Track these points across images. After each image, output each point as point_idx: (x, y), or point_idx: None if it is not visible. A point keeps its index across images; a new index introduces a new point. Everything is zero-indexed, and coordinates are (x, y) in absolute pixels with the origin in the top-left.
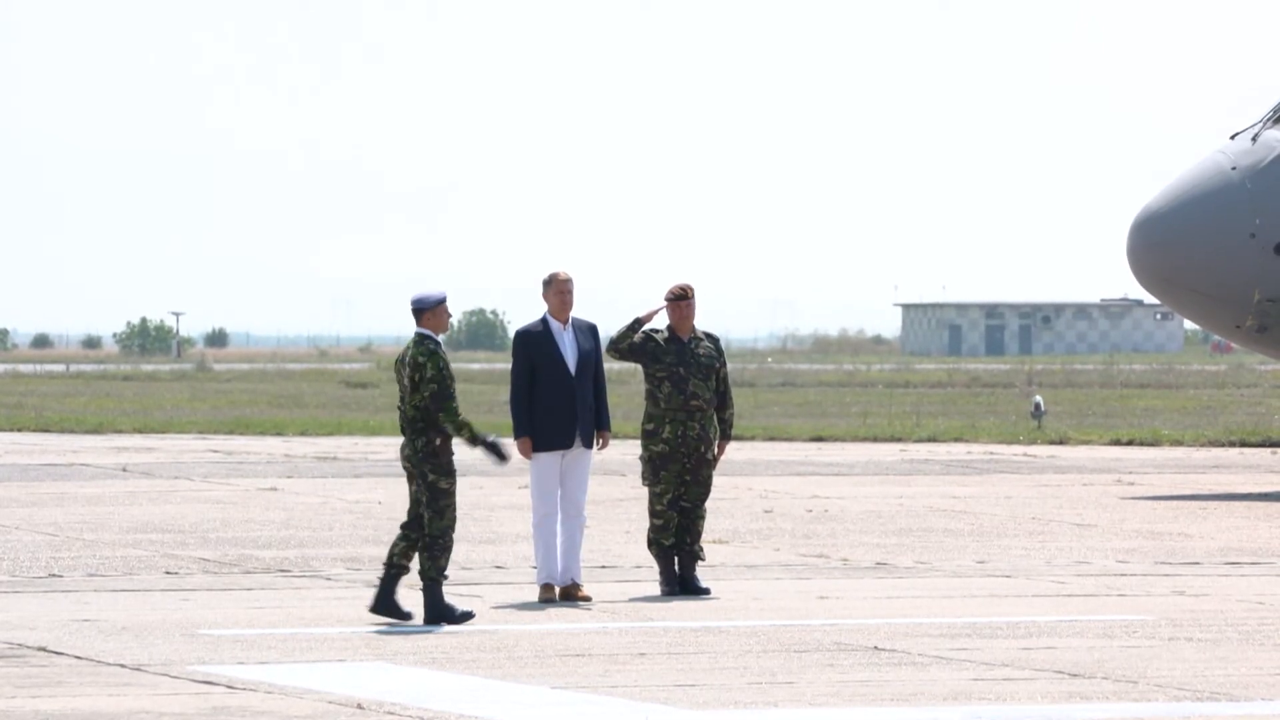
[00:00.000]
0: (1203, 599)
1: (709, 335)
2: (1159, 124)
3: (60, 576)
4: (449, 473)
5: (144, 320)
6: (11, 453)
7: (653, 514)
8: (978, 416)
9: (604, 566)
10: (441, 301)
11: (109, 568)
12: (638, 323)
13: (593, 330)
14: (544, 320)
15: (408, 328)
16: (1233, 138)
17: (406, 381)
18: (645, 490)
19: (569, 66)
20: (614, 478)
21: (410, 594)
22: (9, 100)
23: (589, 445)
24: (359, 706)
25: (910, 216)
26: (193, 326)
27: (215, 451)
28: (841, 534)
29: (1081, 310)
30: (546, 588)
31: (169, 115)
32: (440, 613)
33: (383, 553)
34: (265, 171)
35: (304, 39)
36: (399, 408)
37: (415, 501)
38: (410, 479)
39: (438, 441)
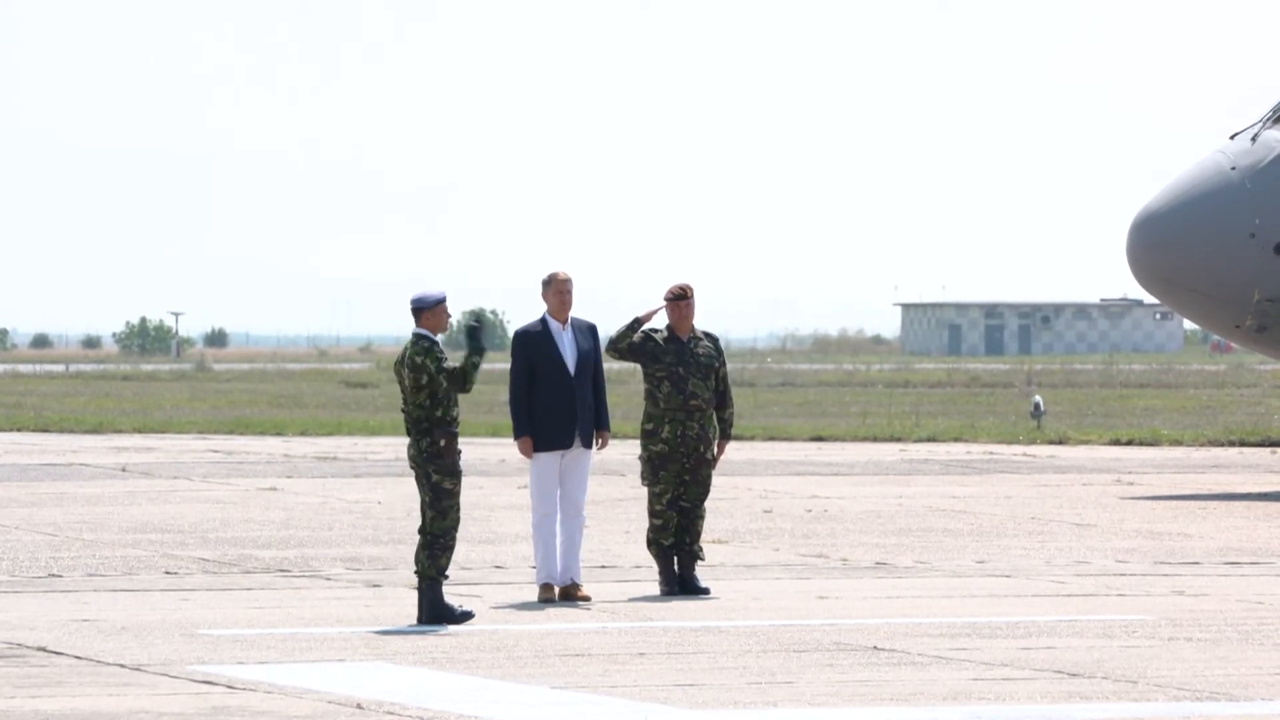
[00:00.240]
0: (1202, 599)
1: (708, 335)
2: (1159, 124)
3: (60, 576)
4: (453, 473)
5: (144, 320)
6: (11, 453)
7: (652, 514)
8: (977, 416)
9: (604, 566)
10: (441, 301)
11: (109, 568)
12: (637, 322)
13: (592, 330)
14: (543, 320)
15: (408, 328)
16: (1233, 138)
17: (407, 383)
18: (645, 490)
19: (569, 66)
20: (614, 478)
21: (410, 593)
22: (9, 100)
23: (588, 445)
24: (359, 706)
25: (910, 216)
26: (192, 326)
27: (215, 451)
28: (841, 534)
29: (1081, 310)
30: (546, 588)
31: (169, 115)
32: (440, 613)
33: (383, 553)
34: (265, 171)
35: (304, 39)
36: (403, 410)
37: (424, 503)
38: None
39: (442, 442)
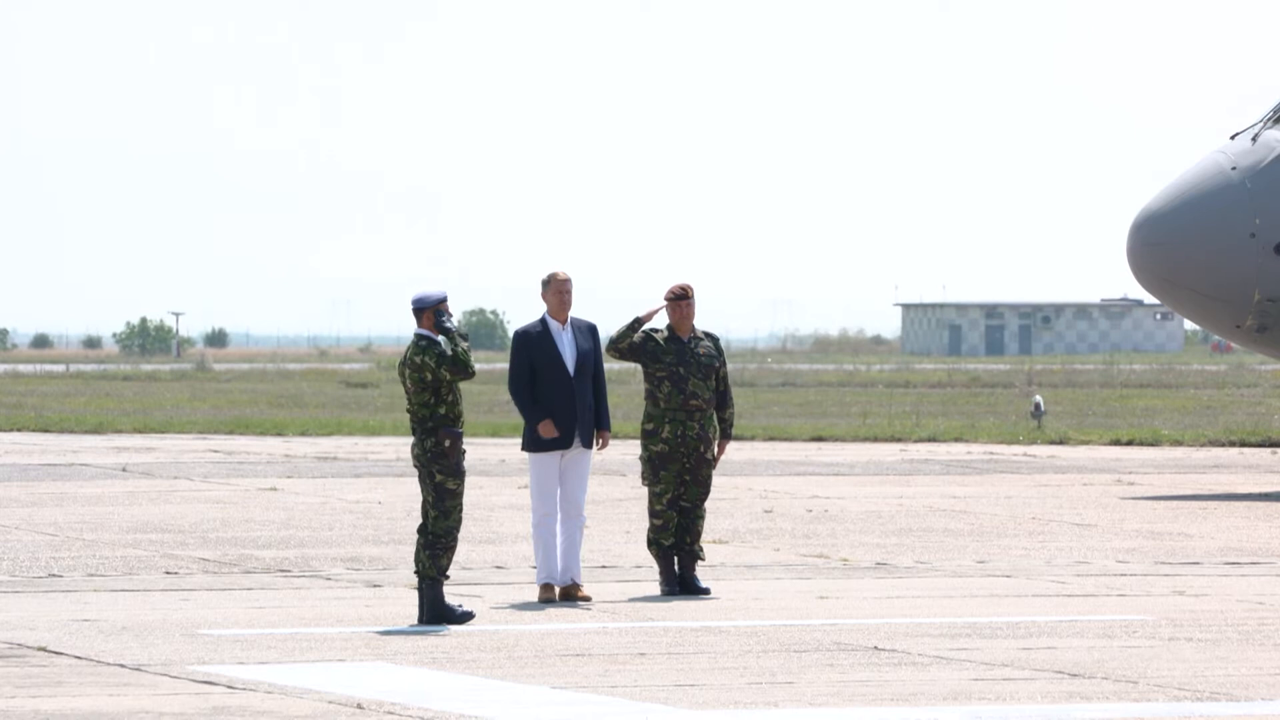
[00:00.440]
0: (1203, 599)
1: (709, 335)
2: (1159, 124)
3: (60, 576)
4: (457, 474)
5: (144, 320)
6: (11, 453)
7: (652, 514)
8: (977, 416)
9: (604, 566)
10: (442, 301)
11: (109, 568)
12: (638, 322)
13: (592, 330)
14: (543, 320)
15: (407, 328)
16: (1233, 138)
17: (409, 383)
18: (645, 490)
19: (569, 67)
20: (614, 478)
21: (410, 594)
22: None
23: (588, 445)
24: (359, 706)
25: (910, 216)
26: (192, 326)
27: (215, 451)
28: (841, 534)
29: (1081, 310)
30: (546, 588)
31: (169, 115)
32: (440, 612)
33: (383, 553)
34: (265, 171)
35: (304, 39)
36: (408, 410)
37: (427, 503)
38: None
39: (447, 443)
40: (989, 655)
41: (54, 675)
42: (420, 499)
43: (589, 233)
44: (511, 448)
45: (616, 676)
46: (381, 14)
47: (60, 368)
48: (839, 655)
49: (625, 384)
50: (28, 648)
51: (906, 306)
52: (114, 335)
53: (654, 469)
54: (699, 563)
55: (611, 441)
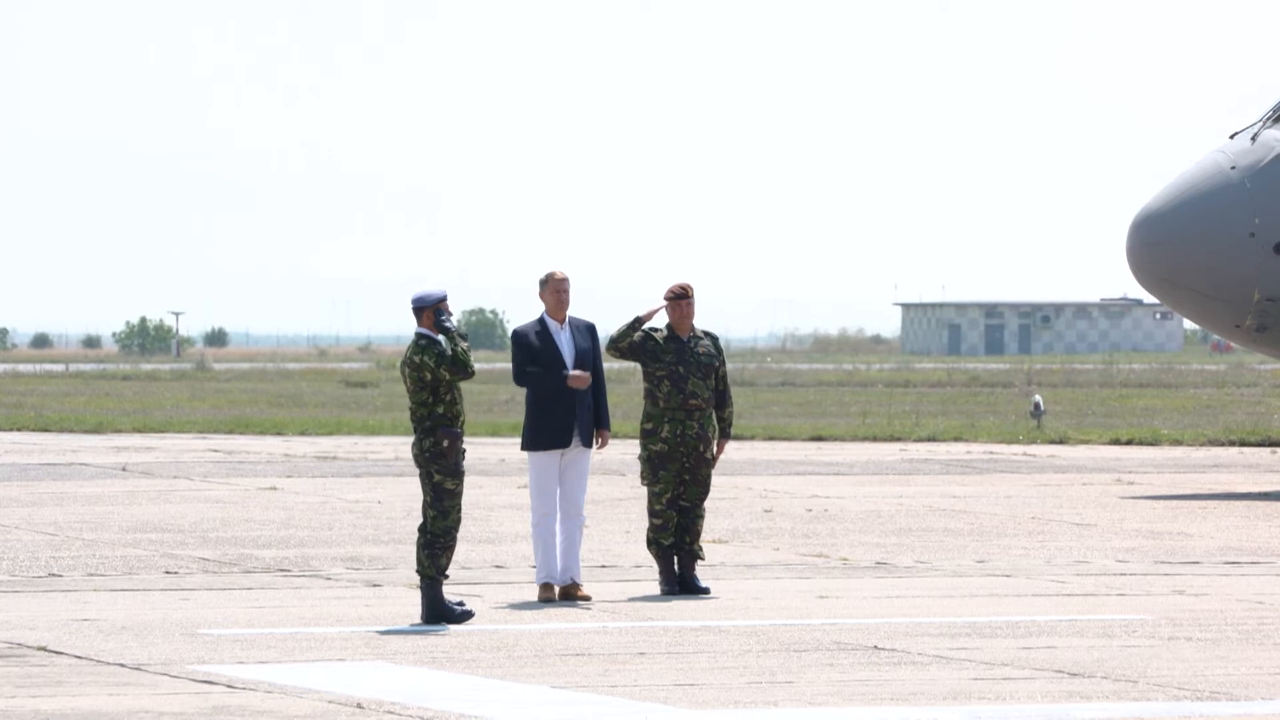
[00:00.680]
0: (1202, 598)
1: (708, 334)
2: (1159, 124)
3: (60, 576)
4: (455, 474)
5: (144, 320)
6: (11, 453)
7: (652, 513)
8: (977, 416)
9: (604, 566)
10: (442, 300)
11: (109, 567)
12: (638, 321)
13: (591, 329)
14: (541, 320)
15: (407, 327)
16: (1232, 138)
17: (409, 383)
18: (645, 490)
19: (569, 67)
20: (614, 477)
21: (410, 593)
22: (9, 100)
23: (588, 444)
24: (359, 706)
25: (910, 216)
26: (192, 326)
27: (215, 451)
28: (841, 534)
29: (1081, 310)
30: (546, 587)
31: (169, 115)
32: (440, 612)
33: (383, 552)
34: (265, 171)
35: (304, 39)
36: (409, 409)
37: (426, 503)
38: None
39: (445, 443)
40: (989, 655)
41: (54, 675)
42: (421, 498)
43: (589, 233)
44: (511, 448)
45: (616, 676)
46: (381, 14)
47: (60, 367)
48: (839, 655)
49: (625, 384)
50: (28, 647)
51: (906, 306)
52: (114, 335)
53: (653, 468)
54: (699, 562)
55: (611, 441)
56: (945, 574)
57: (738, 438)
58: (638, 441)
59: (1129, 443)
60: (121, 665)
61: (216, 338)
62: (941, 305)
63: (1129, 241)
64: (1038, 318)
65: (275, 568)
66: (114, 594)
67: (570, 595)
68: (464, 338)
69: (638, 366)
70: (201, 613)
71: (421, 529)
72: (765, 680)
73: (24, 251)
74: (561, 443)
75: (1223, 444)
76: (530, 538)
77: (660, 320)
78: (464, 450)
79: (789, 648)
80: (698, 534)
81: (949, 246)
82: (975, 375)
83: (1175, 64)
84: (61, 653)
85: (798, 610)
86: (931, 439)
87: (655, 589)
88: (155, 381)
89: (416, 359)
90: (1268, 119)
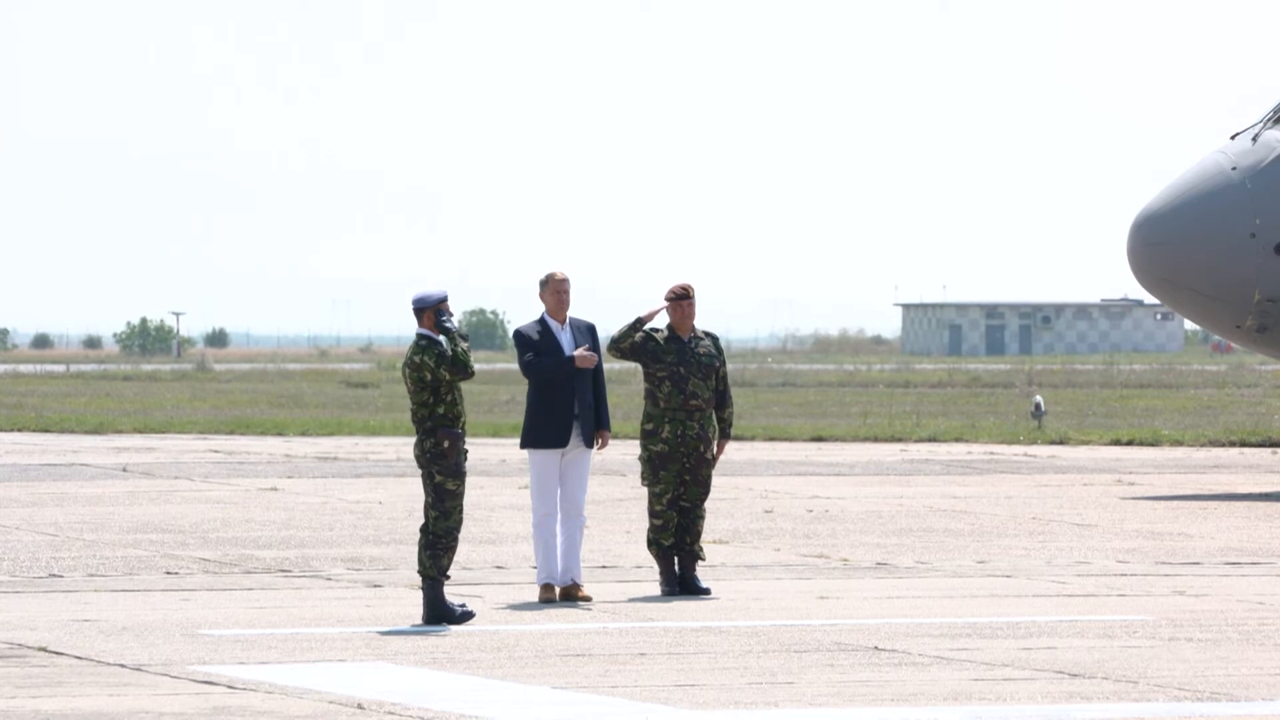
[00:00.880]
0: (1203, 599)
1: (709, 334)
2: (1159, 124)
3: (60, 576)
4: (456, 474)
5: (144, 320)
6: (11, 453)
7: (652, 514)
8: (978, 416)
9: (604, 566)
10: (442, 301)
11: (109, 568)
12: (639, 322)
13: (591, 330)
14: (541, 320)
15: (407, 327)
16: (1233, 138)
17: (410, 384)
18: (645, 490)
19: (569, 67)
20: (614, 478)
21: (411, 594)
22: (9, 100)
23: (589, 445)
24: (359, 706)
25: (910, 216)
26: (193, 326)
27: (215, 451)
28: (842, 534)
29: (1081, 310)
30: (546, 588)
31: (169, 115)
32: (441, 612)
33: (384, 553)
34: (265, 171)
35: (304, 39)
36: (411, 409)
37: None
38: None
39: (445, 444)
40: (989, 655)
41: (54, 675)
42: (422, 499)
43: (589, 233)
44: (511, 448)
45: (617, 677)
46: (381, 14)
47: (60, 368)
48: (839, 655)
49: (625, 384)
50: (28, 648)
51: (906, 306)
52: (114, 335)
53: (654, 469)
54: (699, 563)
55: (611, 441)
56: (946, 574)
57: (738, 438)
58: (638, 442)
59: (1130, 443)
60: (122, 666)
61: (217, 338)
62: (942, 306)
63: (1130, 242)
64: (1038, 318)
65: (276, 568)
66: (114, 594)
67: (571, 596)
68: (464, 338)
69: (638, 367)
70: (202, 613)
71: (423, 529)
72: (766, 681)
73: (24, 251)
74: (561, 442)
75: (1223, 445)
76: (531, 538)
77: (661, 321)
78: (466, 451)
79: (789, 648)
80: (698, 534)
81: (949, 247)
82: (976, 376)
83: (1175, 64)
84: (62, 653)
85: (798, 611)
86: (932, 439)
87: (656, 589)
88: (156, 382)
89: (417, 359)
90: (1268, 119)
